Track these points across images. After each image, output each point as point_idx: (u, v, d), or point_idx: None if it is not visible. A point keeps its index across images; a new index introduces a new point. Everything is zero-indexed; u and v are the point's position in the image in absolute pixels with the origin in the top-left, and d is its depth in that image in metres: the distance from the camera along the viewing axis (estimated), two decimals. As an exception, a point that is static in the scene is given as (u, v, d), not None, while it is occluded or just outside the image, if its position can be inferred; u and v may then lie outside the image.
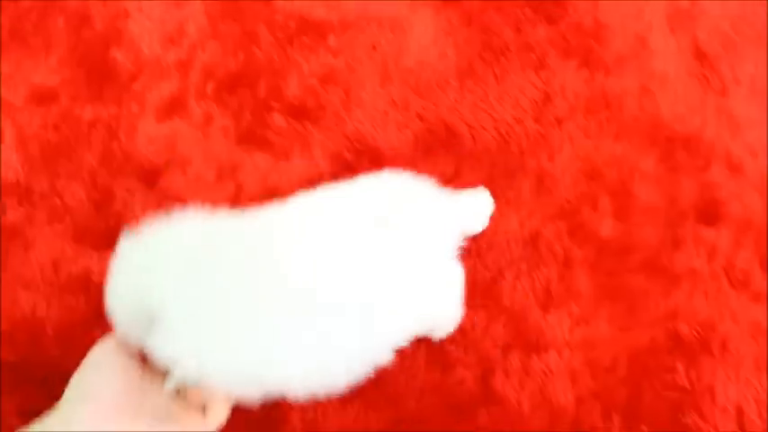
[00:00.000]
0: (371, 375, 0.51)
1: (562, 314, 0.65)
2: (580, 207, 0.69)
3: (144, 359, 0.52)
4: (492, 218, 0.68)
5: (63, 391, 0.53)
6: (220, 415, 0.56)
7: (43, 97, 0.80)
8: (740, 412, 0.62)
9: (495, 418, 0.62)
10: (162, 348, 0.48)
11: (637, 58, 0.75)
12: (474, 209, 0.64)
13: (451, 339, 0.65)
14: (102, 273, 0.70)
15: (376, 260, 0.50)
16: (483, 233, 0.68)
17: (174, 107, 0.79)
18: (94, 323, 0.69)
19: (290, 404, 0.58)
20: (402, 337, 0.52)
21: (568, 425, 0.62)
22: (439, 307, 0.57)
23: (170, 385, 0.49)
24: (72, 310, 0.70)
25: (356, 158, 0.73)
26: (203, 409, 0.55)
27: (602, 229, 0.69)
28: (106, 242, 0.73)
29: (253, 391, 0.50)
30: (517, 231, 0.68)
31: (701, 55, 0.76)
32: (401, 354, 0.56)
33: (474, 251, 0.68)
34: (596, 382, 0.63)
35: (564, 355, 0.64)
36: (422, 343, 0.64)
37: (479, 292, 0.67)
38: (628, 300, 0.66)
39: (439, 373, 0.64)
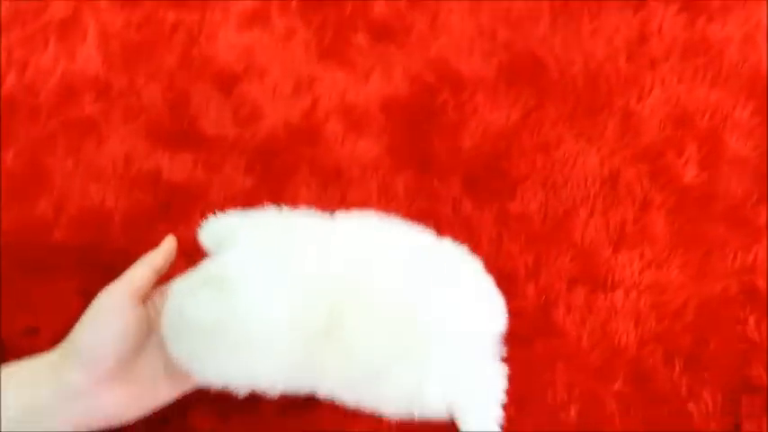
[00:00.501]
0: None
1: (634, 255, 0.69)
2: (665, 151, 0.73)
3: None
4: (571, 154, 0.73)
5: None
6: None
7: (127, -1, 0.87)
8: (809, 370, 0.65)
9: (551, 349, 0.67)
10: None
11: (743, 6, 0.78)
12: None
13: (513, 273, 0.69)
14: (172, 171, 0.78)
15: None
16: (560, 168, 0.72)
17: (256, 18, 0.85)
18: (160, 218, 0.76)
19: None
20: None
21: (627, 364, 0.66)
22: None
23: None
24: (140, 204, 0.77)
25: (437, 83, 0.78)
26: None
27: (686, 174, 0.72)
28: (178, 143, 0.79)
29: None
30: (596, 169, 0.72)
31: (811, 6, 0.77)
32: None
33: (549, 185, 0.72)
34: (661, 326, 0.67)
35: (631, 296, 0.68)
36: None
37: (549, 226, 0.71)
38: (704, 248, 0.69)
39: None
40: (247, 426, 0.66)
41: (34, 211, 0.77)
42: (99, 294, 0.56)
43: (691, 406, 0.64)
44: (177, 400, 0.65)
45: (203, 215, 0.73)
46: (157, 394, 0.58)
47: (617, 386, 0.65)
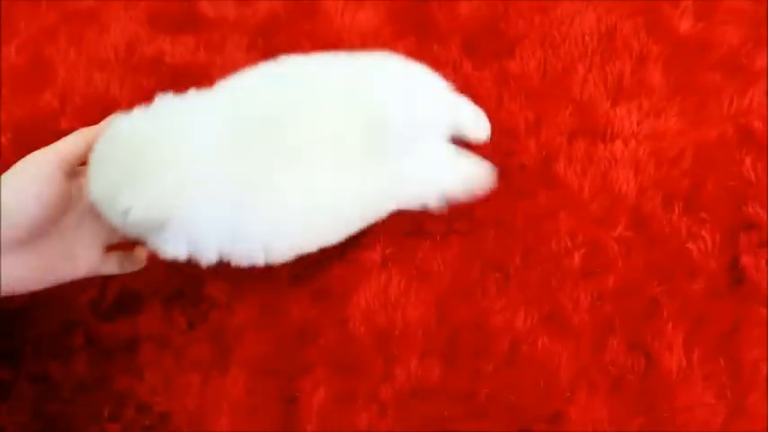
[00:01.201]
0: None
1: (632, 107, 0.71)
2: (661, 3, 0.74)
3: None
4: (568, 13, 0.74)
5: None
6: (141, 258, 0.63)
7: None
8: (802, 200, 0.67)
9: (554, 201, 0.69)
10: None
11: None
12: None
13: (514, 130, 0.71)
14: (175, 55, 0.79)
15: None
16: (558, 27, 0.74)
17: None
18: (165, 101, 0.77)
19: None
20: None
21: (628, 211, 0.68)
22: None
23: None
24: (143, 90, 0.78)
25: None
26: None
27: (682, 25, 0.73)
28: (179, 27, 0.80)
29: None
30: (594, 26, 0.73)
31: None
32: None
33: (547, 43, 0.73)
34: (660, 172, 0.69)
35: (630, 146, 0.69)
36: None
37: (548, 83, 0.73)
38: (701, 95, 0.71)
39: (501, 157, 0.70)
40: (262, 294, 0.69)
41: (40, 101, 0.78)
42: (24, 159, 0.54)
43: (690, 245, 0.66)
44: (191, 273, 0.67)
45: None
46: (63, 270, 0.57)
47: (618, 231, 0.67)
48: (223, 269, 0.68)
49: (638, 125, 0.70)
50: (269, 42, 0.77)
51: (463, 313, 0.67)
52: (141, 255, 0.62)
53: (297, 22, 0.77)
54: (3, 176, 0.52)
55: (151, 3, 0.81)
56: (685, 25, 0.73)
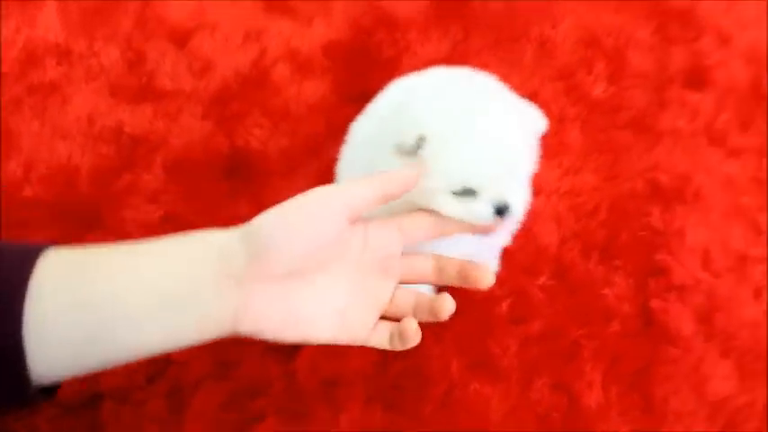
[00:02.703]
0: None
1: (553, 165, 0.81)
2: (577, 71, 0.85)
3: None
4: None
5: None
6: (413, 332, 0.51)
7: (82, -33, 0.96)
8: (706, 252, 0.76)
9: (483, 254, 0.77)
10: None
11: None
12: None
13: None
14: (134, 124, 0.87)
15: None
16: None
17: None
18: (124, 169, 0.84)
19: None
20: None
21: (551, 261, 0.77)
22: None
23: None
24: (104, 158, 0.85)
25: (373, 25, 0.89)
26: None
27: (596, 90, 0.84)
28: (138, 98, 0.89)
29: None
30: (518, 90, 0.81)
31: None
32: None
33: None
34: (579, 225, 0.78)
35: (551, 201, 0.79)
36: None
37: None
38: (614, 153, 0.82)
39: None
40: (215, 349, 0.73)
41: (5, 170, 0.85)
42: (310, 195, 0.48)
43: (606, 291, 0.75)
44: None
45: (165, 162, 0.84)
46: (314, 327, 0.49)
47: (542, 280, 0.76)
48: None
49: (558, 181, 0.80)
50: (222, 111, 0.86)
51: (402, 361, 0.74)
52: (412, 327, 0.50)
53: (247, 93, 0.87)
54: (275, 210, 0.48)
55: (111, 76, 0.90)
56: (598, 89, 0.84)
